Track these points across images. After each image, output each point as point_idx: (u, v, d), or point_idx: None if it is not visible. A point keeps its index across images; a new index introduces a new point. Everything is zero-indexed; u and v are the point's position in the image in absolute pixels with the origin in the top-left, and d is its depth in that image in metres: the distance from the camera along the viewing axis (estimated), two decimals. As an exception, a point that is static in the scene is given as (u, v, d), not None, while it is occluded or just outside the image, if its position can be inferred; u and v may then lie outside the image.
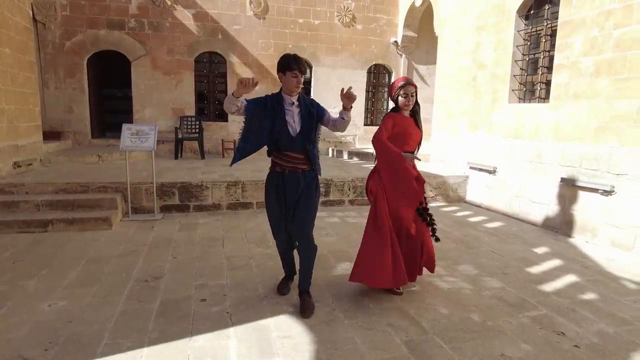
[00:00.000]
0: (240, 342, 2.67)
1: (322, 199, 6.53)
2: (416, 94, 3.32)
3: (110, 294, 3.32)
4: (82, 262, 3.99)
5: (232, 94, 2.78)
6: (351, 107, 2.99)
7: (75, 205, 5.37)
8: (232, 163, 3.15)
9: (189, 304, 3.17)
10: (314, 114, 3.03)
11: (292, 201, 3.03)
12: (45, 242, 4.57)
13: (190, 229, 5.26)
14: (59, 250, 4.34)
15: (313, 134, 3.03)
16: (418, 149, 3.44)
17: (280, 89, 3.04)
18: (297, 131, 2.97)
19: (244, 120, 3.02)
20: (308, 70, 10.48)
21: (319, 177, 3.16)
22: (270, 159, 3.13)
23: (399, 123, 3.26)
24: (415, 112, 3.38)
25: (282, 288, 3.43)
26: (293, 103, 3.00)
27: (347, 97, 2.91)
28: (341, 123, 3.08)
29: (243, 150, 3.03)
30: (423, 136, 3.46)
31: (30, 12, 7.17)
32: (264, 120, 2.95)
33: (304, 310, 3.06)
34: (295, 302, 3.24)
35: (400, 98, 3.27)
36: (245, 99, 2.93)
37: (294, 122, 2.98)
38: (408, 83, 3.26)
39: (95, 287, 3.45)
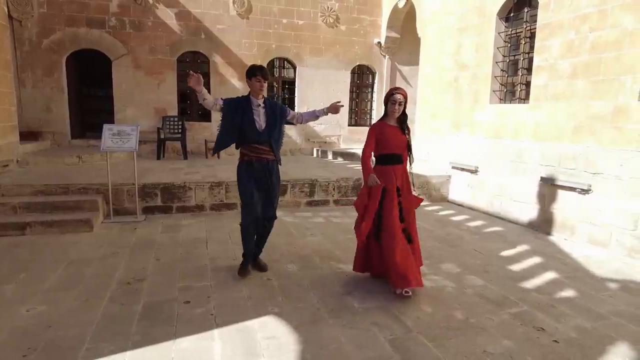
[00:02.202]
0: (224, 344, 2.66)
1: (307, 199, 6.56)
2: (405, 103, 3.49)
3: (91, 297, 3.26)
4: (62, 265, 3.91)
5: (196, 92, 3.45)
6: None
7: (54, 208, 5.25)
8: (213, 152, 3.94)
9: (172, 306, 3.13)
10: (277, 114, 3.73)
11: (262, 186, 3.68)
12: (23, 246, 4.46)
13: (173, 230, 5.20)
14: (38, 253, 4.24)
15: (276, 130, 3.72)
16: (410, 154, 3.64)
17: (249, 93, 3.70)
18: (263, 127, 3.65)
19: (221, 117, 3.69)
20: (292, 71, 10.48)
21: (279, 166, 3.86)
22: (239, 151, 3.78)
23: (379, 130, 3.53)
24: (402, 121, 3.56)
25: (244, 270, 3.78)
26: (259, 105, 3.68)
27: (335, 110, 3.78)
28: (310, 118, 3.95)
29: (221, 142, 3.72)
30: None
31: (6, 9, 6.98)
32: (235, 117, 3.63)
33: (264, 268, 3.91)
34: (280, 303, 3.25)
35: (389, 104, 3.49)
36: (221, 98, 3.68)
37: (259, 119, 3.65)
38: (397, 91, 3.49)
39: (75, 290, 3.38)
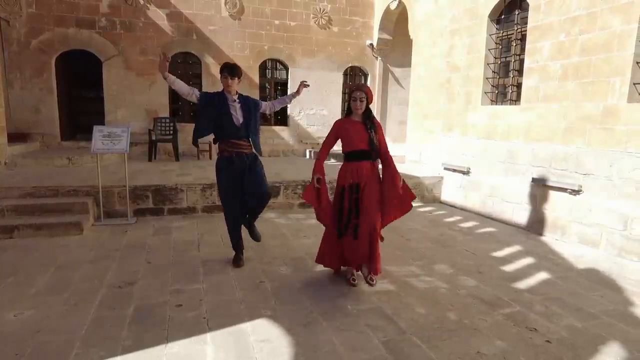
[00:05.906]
0: (217, 348, 2.63)
1: (299, 200, 6.53)
2: (367, 99, 3.57)
3: (81, 301, 3.21)
4: (51, 269, 3.84)
5: (163, 75, 3.56)
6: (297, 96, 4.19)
7: (43, 210, 5.16)
8: (193, 142, 3.98)
9: (164, 310, 3.09)
10: (252, 108, 3.89)
11: (246, 177, 3.83)
12: (10, 249, 4.38)
13: (164, 232, 5.15)
14: (26, 257, 4.17)
15: (252, 124, 3.88)
16: (373, 149, 3.58)
17: (223, 89, 3.84)
18: (241, 122, 3.79)
19: (198, 110, 3.96)
20: (285, 72, 10.47)
21: (259, 157, 4.02)
22: (217, 146, 3.93)
23: (342, 127, 3.65)
24: (366, 117, 3.61)
25: (237, 261, 4.02)
26: (234, 100, 3.81)
27: (303, 87, 4.09)
28: (281, 104, 4.30)
29: (198, 133, 3.86)
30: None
31: (-6, 9, 6.88)
32: (212, 112, 3.77)
33: (257, 238, 4.16)
34: (273, 305, 3.22)
35: (351, 102, 3.60)
36: (198, 92, 3.81)
37: (236, 114, 3.79)
38: (357, 88, 3.59)
39: (65, 294, 3.32)
